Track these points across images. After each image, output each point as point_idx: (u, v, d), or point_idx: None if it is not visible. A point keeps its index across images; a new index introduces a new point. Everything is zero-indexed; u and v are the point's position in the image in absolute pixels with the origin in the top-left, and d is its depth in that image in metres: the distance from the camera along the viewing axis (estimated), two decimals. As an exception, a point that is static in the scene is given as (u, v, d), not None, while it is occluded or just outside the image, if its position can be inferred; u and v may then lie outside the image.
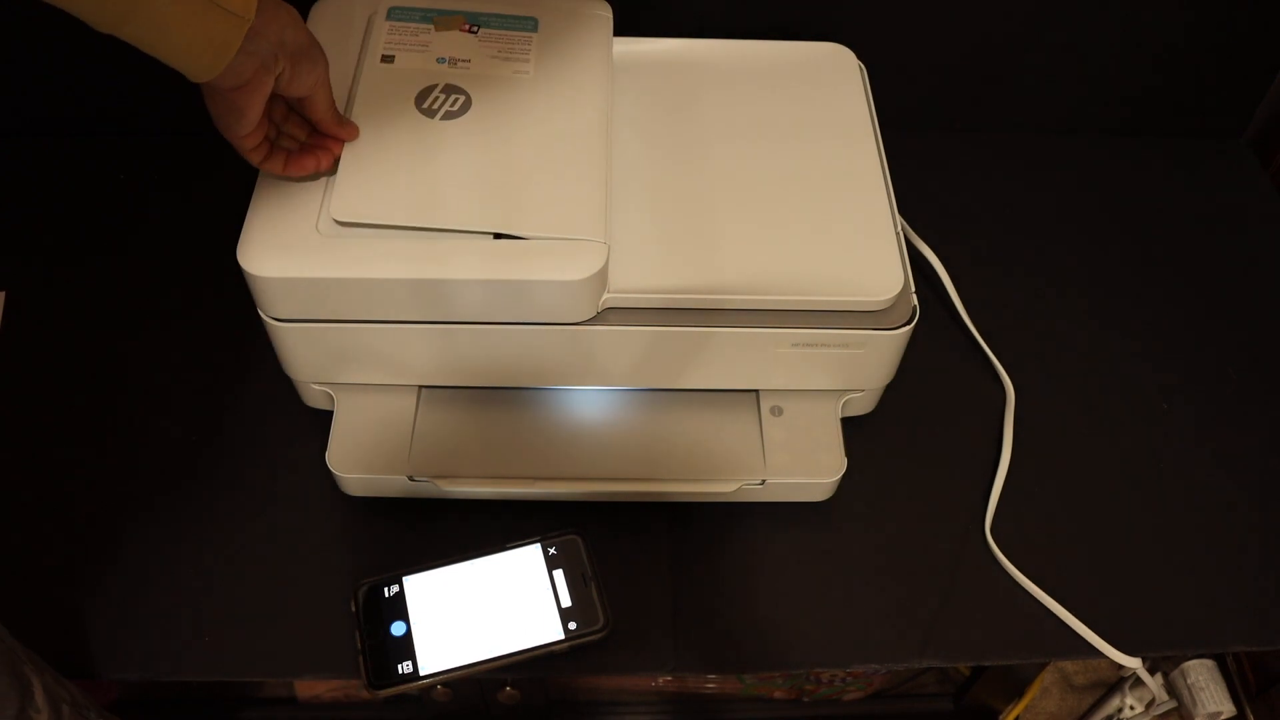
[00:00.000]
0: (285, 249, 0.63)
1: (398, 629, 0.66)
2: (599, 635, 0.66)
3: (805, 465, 0.72)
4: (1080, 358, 0.85)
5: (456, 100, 0.68)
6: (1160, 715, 1.02)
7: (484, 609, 0.67)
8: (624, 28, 0.76)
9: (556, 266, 0.62)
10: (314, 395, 0.74)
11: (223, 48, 0.52)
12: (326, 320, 0.65)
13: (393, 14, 0.72)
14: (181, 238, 0.89)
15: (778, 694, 1.04)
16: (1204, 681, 0.99)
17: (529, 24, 0.72)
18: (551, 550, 0.69)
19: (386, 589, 0.67)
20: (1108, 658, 0.70)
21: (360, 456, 0.71)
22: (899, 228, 0.70)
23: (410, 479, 0.70)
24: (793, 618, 0.71)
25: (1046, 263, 0.91)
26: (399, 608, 0.67)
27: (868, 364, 0.70)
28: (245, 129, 0.59)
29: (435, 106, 0.68)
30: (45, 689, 0.56)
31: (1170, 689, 1.01)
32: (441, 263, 0.62)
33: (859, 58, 0.79)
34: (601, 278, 0.63)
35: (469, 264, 0.62)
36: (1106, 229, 0.94)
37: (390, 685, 0.64)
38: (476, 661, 0.65)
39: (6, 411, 0.78)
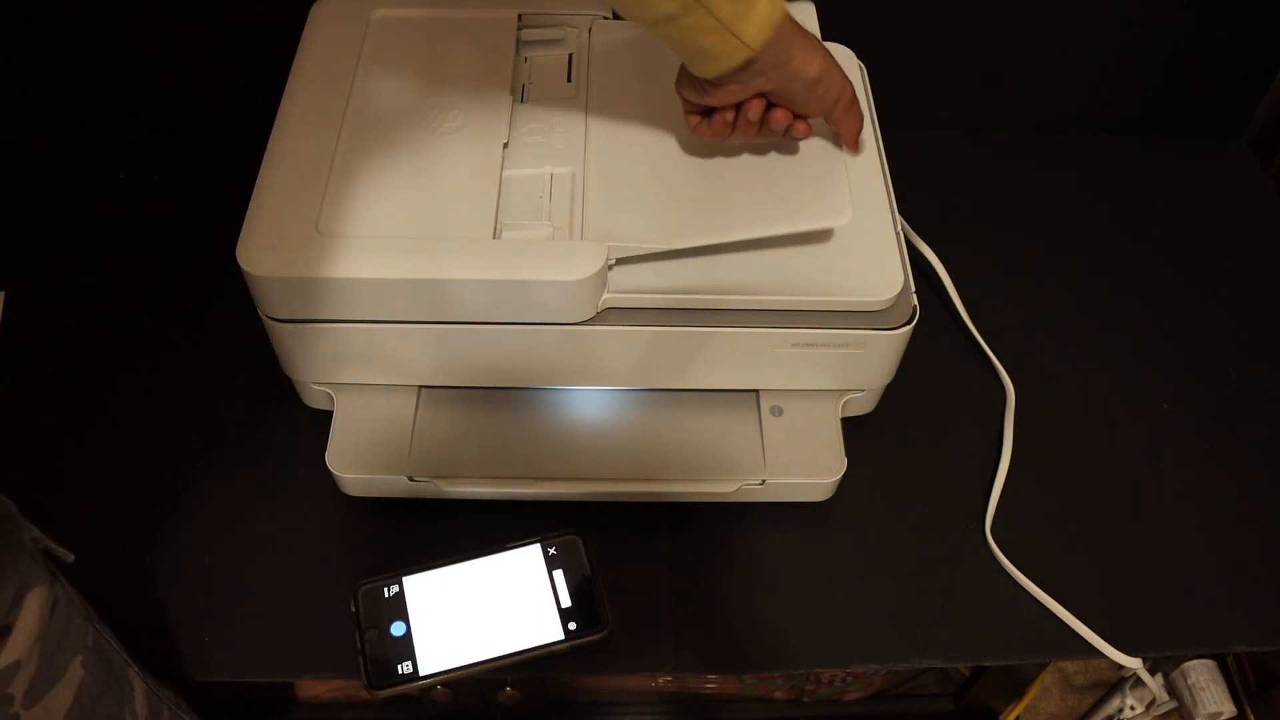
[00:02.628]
0: (284, 249, 0.63)
1: (398, 629, 0.66)
2: (599, 635, 0.66)
3: (805, 465, 0.72)
4: (1080, 358, 0.85)
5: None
6: (1161, 715, 1.02)
7: (484, 609, 0.67)
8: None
9: (556, 266, 0.62)
10: (314, 395, 0.74)
11: (722, 59, 0.56)
12: (326, 320, 0.65)
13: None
14: (181, 238, 0.89)
15: (778, 694, 1.04)
16: (1204, 681, 0.99)
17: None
18: (551, 550, 0.69)
19: (386, 589, 0.67)
20: (1108, 658, 0.70)
21: (360, 456, 0.71)
22: (899, 228, 0.70)
23: (410, 479, 0.70)
24: (793, 618, 0.71)
25: (1046, 263, 0.91)
26: (399, 608, 0.67)
27: (868, 364, 0.70)
28: (691, 107, 0.63)
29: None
30: (147, 694, 0.56)
31: (1170, 689, 1.01)
32: (441, 263, 0.62)
33: (859, 58, 0.79)
34: (601, 278, 0.63)
35: (469, 264, 0.62)
36: (1106, 229, 0.94)
37: (390, 685, 0.64)
38: (476, 662, 0.65)
39: (6, 411, 0.78)
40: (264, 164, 0.67)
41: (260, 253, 0.62)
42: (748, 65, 0.57)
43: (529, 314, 0.64)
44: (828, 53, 0.60)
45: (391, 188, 0.66)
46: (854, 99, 0.63)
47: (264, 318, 0.66)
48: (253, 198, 0.65)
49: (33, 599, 0.50)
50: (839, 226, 0.65)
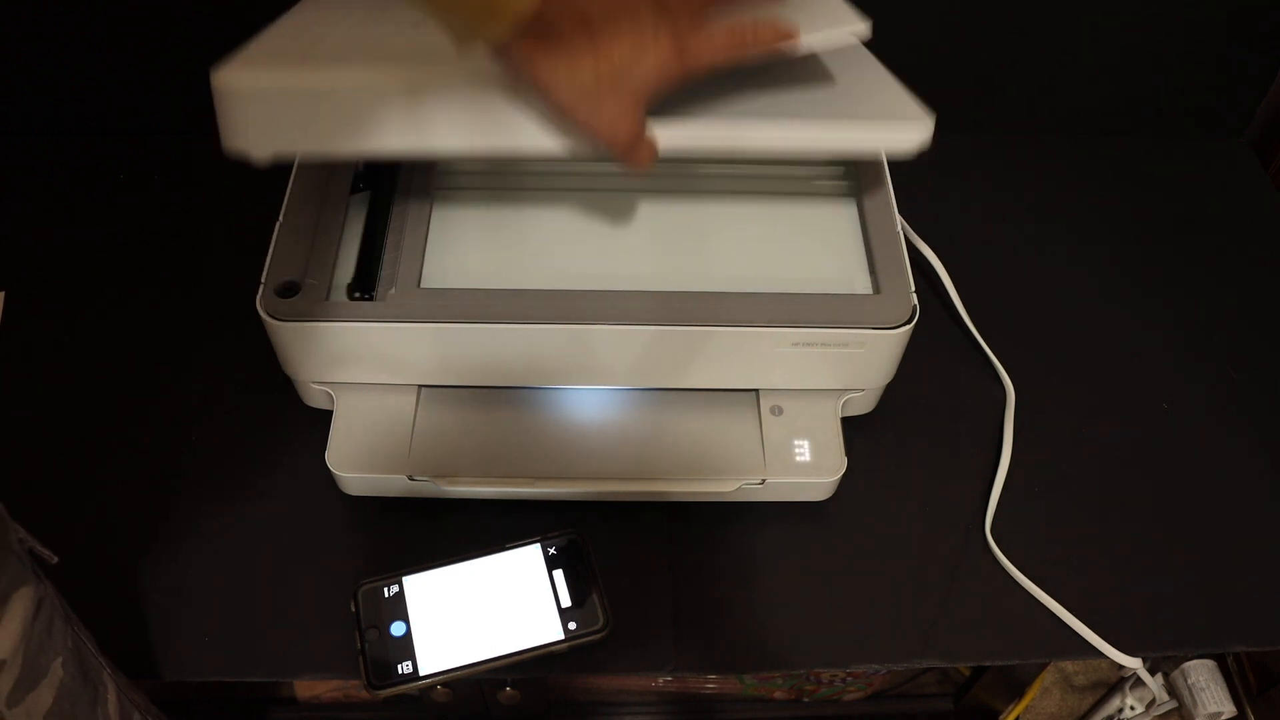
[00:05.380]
0: (264, 66, 0.58)
1: (398, 629, 0.66)
2: (599, 635, 0.66)
3: (805, 465, 0.72)
4: (1080, 358, 0.85)
5: None
6: (1161, 715, 1.02)
7: (484, 609, 0.67)
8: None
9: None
10: (314, 395, 0.74)
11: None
12: (323, 322, 0.65)
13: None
14: (182, 238, 0.89)
15: (778, 694, 1.04)
16: (1204, 681, 0.99)
17: None
18: (551, 550, 0.69)
19: (386, 589, 0.68)
20: (1108, 658, 0.70)
21: (360, 456, 0.71)
22: (899, 228, 0.70)
23: (410, 479, 0.70)
24: (793, 618, 0.71)
25: (1047, 263, 0.91)
26: (399, 608, 0.67)
27: (868, 363, 0.70)
28: None
29: None
30: (119, 695, 0.56)
31: (1170, 689, 1.01)
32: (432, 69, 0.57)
33: (859, 58, 0.79)
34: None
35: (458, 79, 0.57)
36: (1106, 229, 0.94)
37: (390, 685, 0.64)
38: (476, 661, 0.65)
39: (5, 411, 0.78)
40: None
41: (236, 69, 0.57)
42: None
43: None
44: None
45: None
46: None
47: (263, 317, 0.66)
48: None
49: (18, 599, 0.50)
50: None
